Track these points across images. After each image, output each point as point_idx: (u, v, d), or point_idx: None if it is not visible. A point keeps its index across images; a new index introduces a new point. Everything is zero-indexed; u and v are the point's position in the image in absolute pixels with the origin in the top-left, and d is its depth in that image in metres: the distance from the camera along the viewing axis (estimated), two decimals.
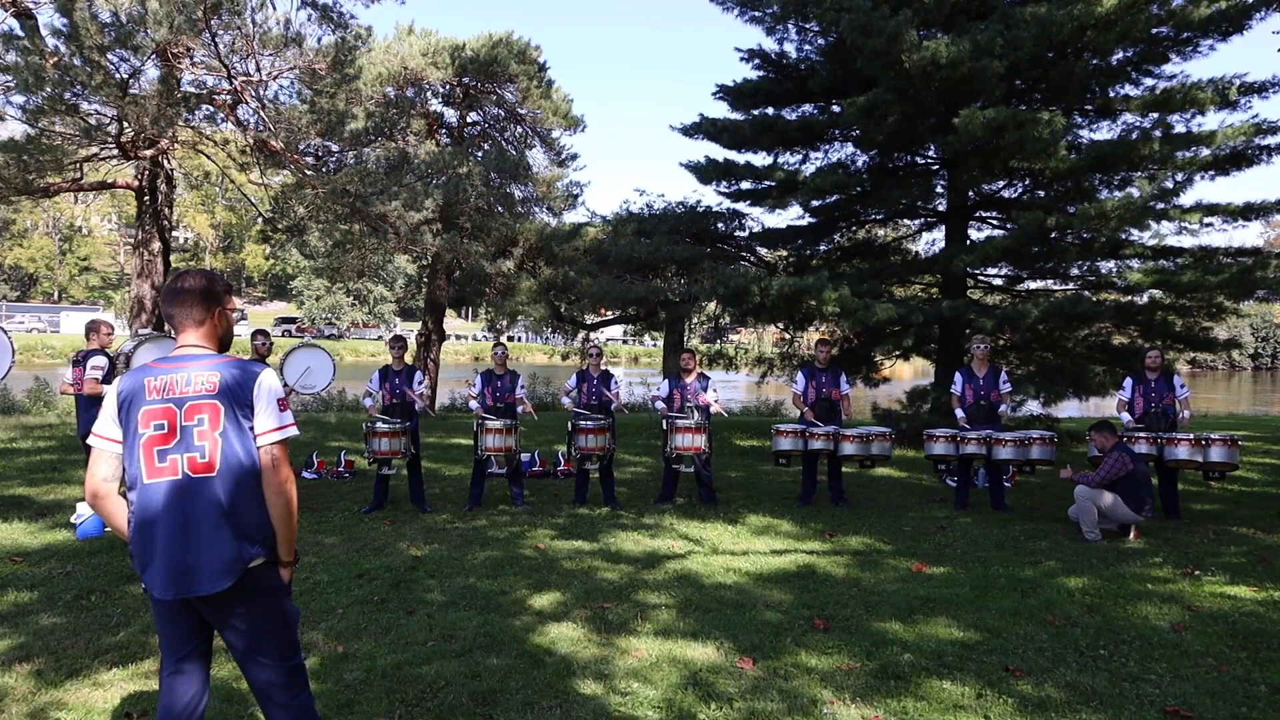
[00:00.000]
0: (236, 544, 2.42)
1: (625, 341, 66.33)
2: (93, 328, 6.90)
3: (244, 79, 11.03)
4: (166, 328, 12.73)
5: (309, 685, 2.64)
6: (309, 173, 12.62)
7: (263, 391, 2.48)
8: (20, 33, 9.86)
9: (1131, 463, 6.68)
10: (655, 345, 35.43)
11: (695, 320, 17.90)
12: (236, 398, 2.45)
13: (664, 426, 8.12)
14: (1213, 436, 7.34)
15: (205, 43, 10.56)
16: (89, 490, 2.52)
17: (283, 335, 58.27)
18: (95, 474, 2.49)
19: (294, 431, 2.53)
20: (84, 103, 10.50)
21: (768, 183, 14.13)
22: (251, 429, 2.47)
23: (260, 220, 18.66)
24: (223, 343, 2.62)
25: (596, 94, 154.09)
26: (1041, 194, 13.62)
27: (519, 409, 8.01)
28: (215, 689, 3.37)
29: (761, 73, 14.95)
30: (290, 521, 2.51)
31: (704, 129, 14.36)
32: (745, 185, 14.74)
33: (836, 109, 13.34)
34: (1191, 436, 7.41)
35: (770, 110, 14.68)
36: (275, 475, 2.47)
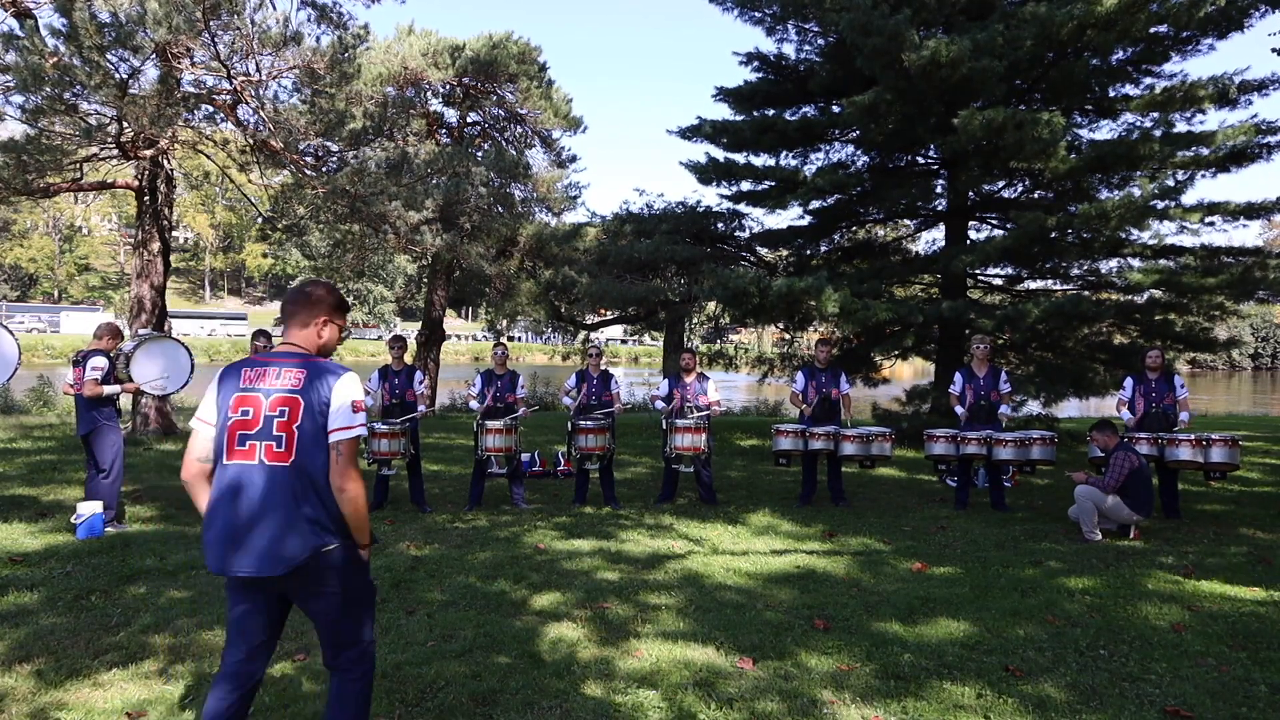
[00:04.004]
0: (303, 530, 2.57)
1: (625, 341, 66.33)
2: (107, 330, 6.92)
3: (244, 79, 11.02)
4: (166, 326, 12.75)
5: (368, 668, 2.75)
6: (309, 173, 12.61)
7: (339, 393, 2.66)
8: (20, 33, 9.85)
9: (1137, 460, 6.68)
10: (656, 345, 35.44)
11: (695, 320, 17.91)
12: (316, 395, 2.63)
13: (664, 426, 8.12)
14: (1214, 437, 7.35)
15: (205, 43, 10.54)
16: (184, 468, 2.73)
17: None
18: (191, 453, 2.71)
19: (362, 432, 2.68)
20: (84, 103, 10.49)
21: (768, 183, 14.13)
22: (325, 426, 2.63)
23: (260, 220, 18.66)
24: (322, 350, 2.80)
25: (596, 94, 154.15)
26: (1041, 194, 13.63)
27: (519, 411, 8.00)
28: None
29: (761, 74, 14.96)
30: (357, 512, 2.65)
31: (703, 131, 14.36)
32: (745, 186, 14.74)
33: (836, 109, 13.35)
34: (1193, 437, 7.41)
35: (770, 111, 14.69)
36: (339, 469, 2.62)
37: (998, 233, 13.67)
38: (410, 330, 27.23)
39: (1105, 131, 13.32)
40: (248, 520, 2.56)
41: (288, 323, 2.79)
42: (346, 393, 2.66)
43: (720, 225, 16.01)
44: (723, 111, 15.33)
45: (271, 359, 2.70)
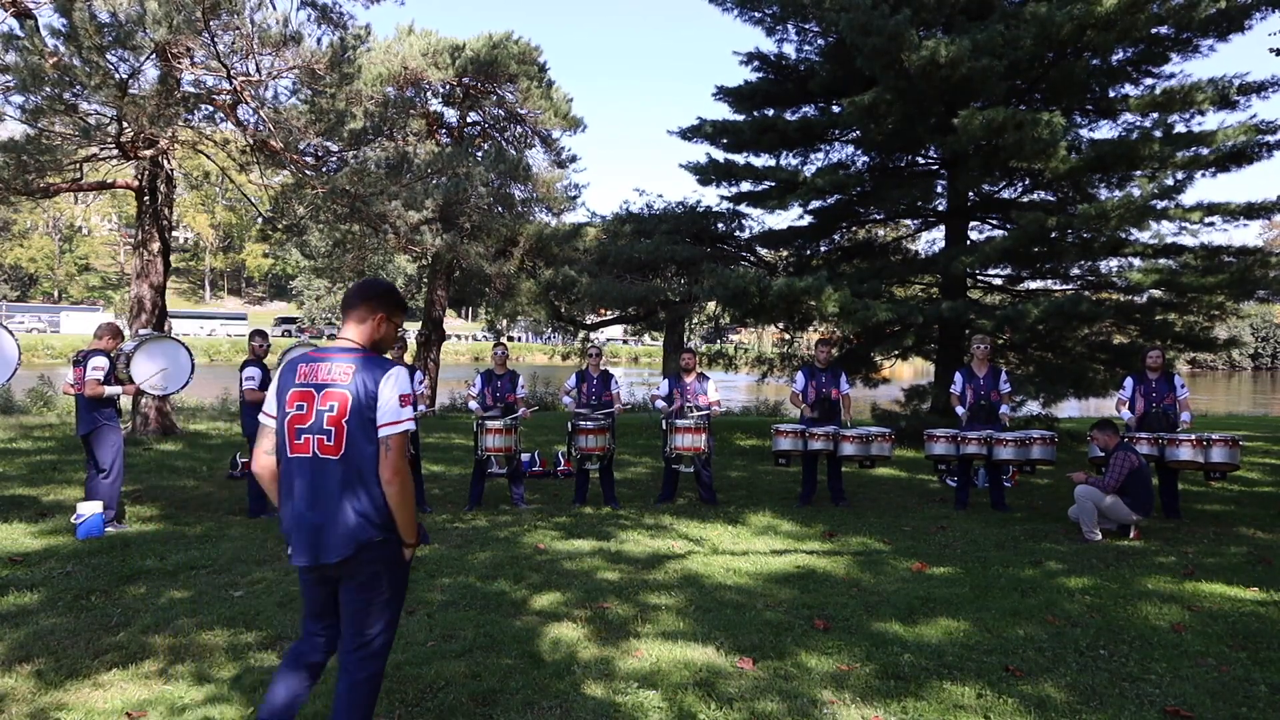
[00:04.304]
0: (353, 522, 2.64)
1: (625, 341, 66.33)
2: (107, 330, 6.92)
3: (244, 79, 11.02)
4: (166, 326, 12.75)
5: (375, 670, 2.76)
6: (309, 173, 12.61)
7: (388, 387, 2.69)
8: (20, 33, 9.85)
9: (1137, 460, 6.68)
10: (656, 345, 35.43)
11: (695, 320, 17.91)
12: (365, 390, 2.67)
13: (664, 426, 8.12)
14: (1214, 437, 7.35)
15: (205, 43, 10.55)
16: (254, 460, 2.85)
17: (283, 335, 58.22)
18: (259, 447, 2.82)
19: (410, 426, 2.72)
20: (83, 103, 10.49)
21: (768, 183, 14.13)
22: (374, 420, 2.67)
23: (260, 220, 18.65)
24: (377, 347, 2.85)
25: (596, 94, 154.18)
26: (1041, 194, 13.63)
27: (519, 411, 8.00)
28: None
29: (761, 74, 14.96)
30: (404, 505, 2.70)
31: (703, 132, 14.36)
32: (745, 186, 14.74)
33: (836, 109, 13.35)
34: (1193, 437, 7.41)
35: (770, 111, 14.69)
36: (386, 463, 2.67)
37: (998, 233, 13.68)
38: (410, 330, 27.21)
39: (1105, 131, 13.35)
40: (304, 512, 2.68)
41: (346, 318, 2.83)
42: (394, 387, 2.69)
43: (720, 225, 16.01)
44: (723, 111, 15.35)
45: (325, 354, 2.77)
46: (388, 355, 2.91)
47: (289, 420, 2.71)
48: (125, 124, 10.59)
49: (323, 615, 2.81)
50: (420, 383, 8.01)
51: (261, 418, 2.82)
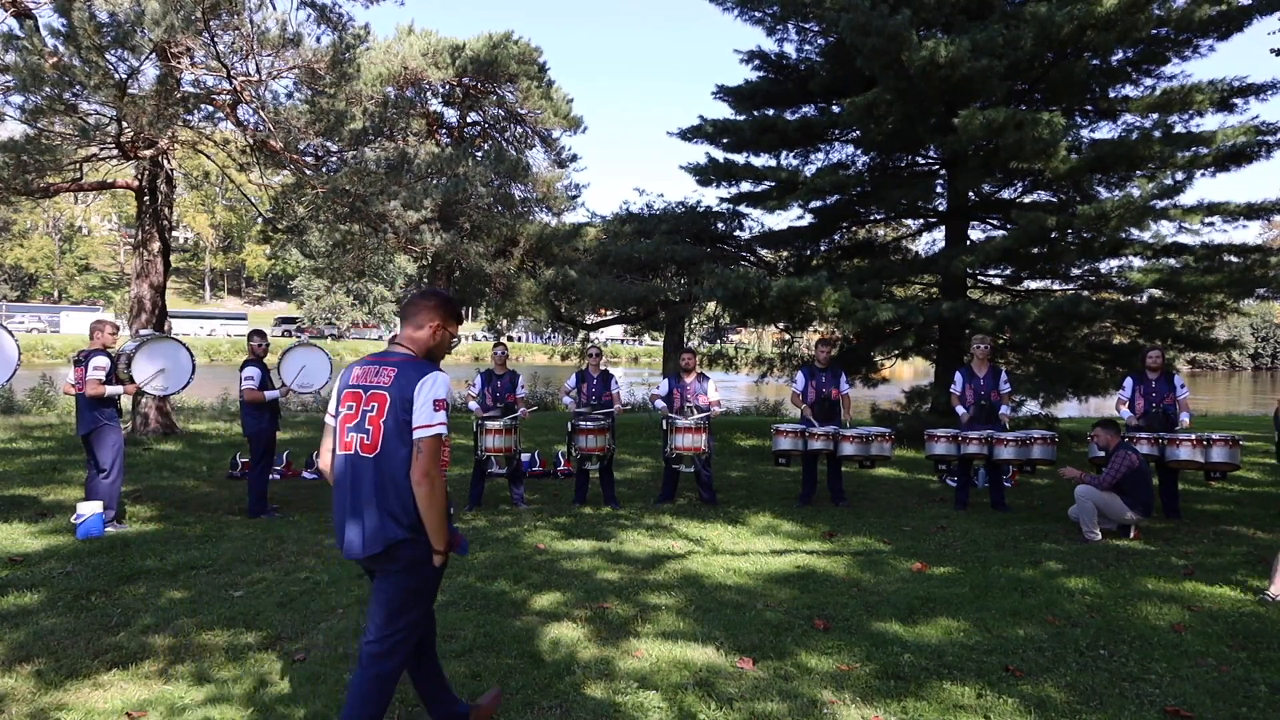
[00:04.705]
0: (382, 520, 2.73)
1: (625, 341, 66.33)
2: (97, 327, 6.90)
3: (244, 79, 11.02)
4: (166, 326, 12.74)
5: (389, 668, 2.82)
6: (309, 173, 12.61)
7: (423, 391, 2.75)
8: (20, 33, 9.85)
9: (1137, 460, 6.68)
10: (656, 345, 35.42)
11: (695, 320, 17.91)
12: (403, 393, 2.76)
13: (664, 426, 8.12)
14: (1214, 436, 7.35)
15: (205, 43, 10.55)
16: (320, 459, 3.00)
17: (283, 335, 58.22)
18: (323, 445, 2.98)
19: (441, 430, 2.75)
20: (83, 103, 10.49)
21: (768, 183, 14.13)
22: (409, 422, 2.73)
23: (260, 220, 18.65)
24: (431, 353, 2.94)
25: (596, 94, 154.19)
26: (1041, 194, 13.63)
27: (518, 411, 8.00)
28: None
29: (761, 74, 14.95)
30: (433, 510, 2.73)
31: (703, 132, 14.36)
32: (745, 186, 14.74)
33: (836, 109, 13.36)
34: (1193, 436, 7.41)
35: (770, 111, 14.69)
36: (417, 465, 2.72)
37: (998, 233, 13.67)
38: None
39: (1105, 132, 13.34)
40: (344, 507, 2.81)
41: (403, 323, 2.95)
42: (429, 391, 2.75)
43: (720, 225, 16.01)
44: (723, 111, 15.35)
45: (380, 358, 2.89)
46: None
47: (341, 419, 2.85)
48: (125, 124, 10.58)
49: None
50: None
51: (325, 417, 2.97)
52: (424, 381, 2.76)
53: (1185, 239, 12.93)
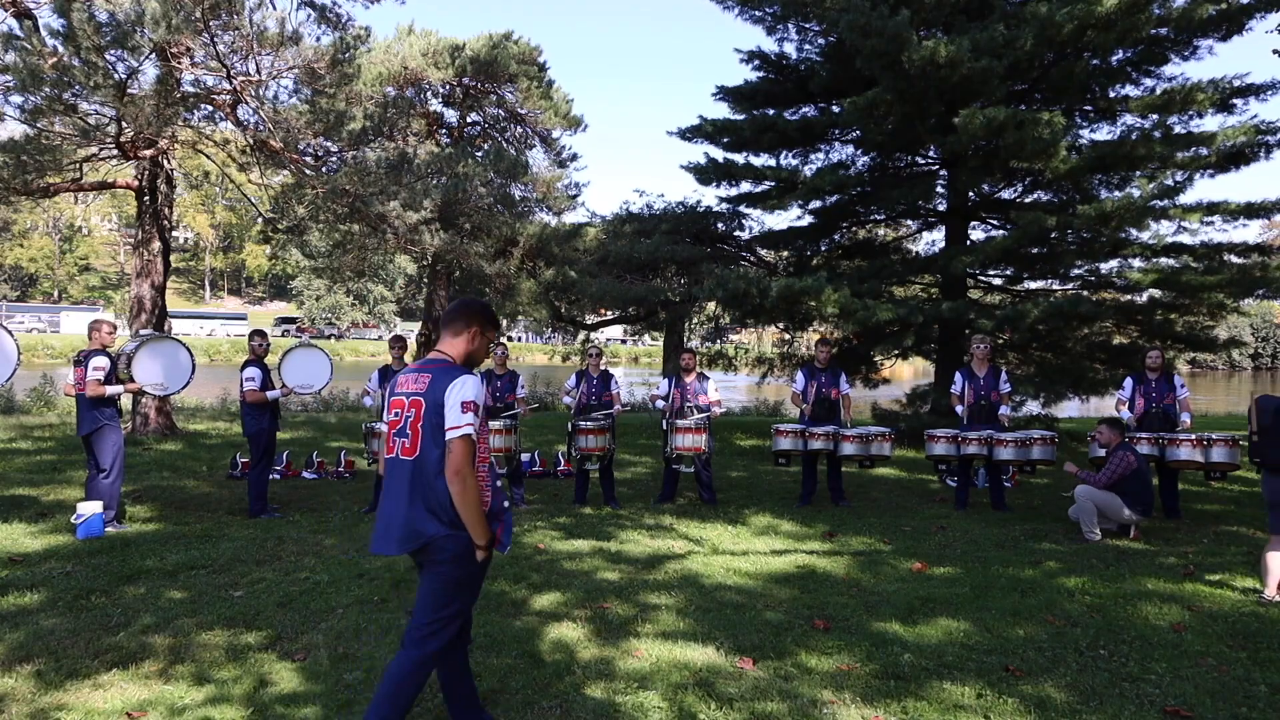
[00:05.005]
0: (420, 518, 2.87)
1: (625, 341, 66.33)
2: (94, 327, 6.90)
3: (244, 79, 11.01)
4: (166, 326, 12.74)
5: (431, 648, 2.93)
6: (309, 173, 12.60)
7: (452, 393, 2.89)
8: (19, 33, 9.85)
9: (1136, 461, 6.68)
10: (656, 345, 35.42)
11: (695, 320, 17.91)
12: (436, 397, 2.90)
13: (664, 426, 8.12)
14: (1214, 437, 7.34)
15: (205, 43, 10.55)
16: (380, 464, 3.20)
17: (283, 335, 58.22)
18: (382, 452, 3.10)
19: (470, 431, 2.87)
20: (83, 103, 10.48)
21: (768, 183, 14.12)
22: (442, 424, 2.88)
23: (260, 220, 18.65)
24: (469, 359, 3.09)
25: (596, 94, 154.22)
26: (1042, 194, 13.62)
27: (518, 410, 8.00)
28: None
29: (761, 74, 14.95)
30: (466, 506, 2.85)
31: (703, 131, 14.36)
32: (745, 186, 14.74)
33: (836, 109, 13.35)
34: (1194, 437, 7.41)
35: (770, 111, 14.68)
36: (449, 465, 2.85)
37: (998, 233, 13.67)
38: (411, 330, 27.21)
39: (1105, 132, 13.34)
40: (387, 507, 2.96)
41: (442, 331, 3.10)
42: (458, 393, 2.88)
43: (720, 225, 16.01)
44: (723, 111, 15.33)
45: (420, 366, 3.05)
46: (404, 358, 3.03)
47: (389, 425, 3.02)
48: (125, 124, 10.58)
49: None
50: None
51: (379, 425, 3.15)
52: (454, 385, 2.89)
53: (1185, 239, 12.94)
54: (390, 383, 3.09)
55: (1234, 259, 12.41)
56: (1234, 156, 12.07)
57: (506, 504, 3.08)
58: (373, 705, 2.91)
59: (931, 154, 13.58)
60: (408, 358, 8.32)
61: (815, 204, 14.32)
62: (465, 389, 2.89)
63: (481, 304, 3.19)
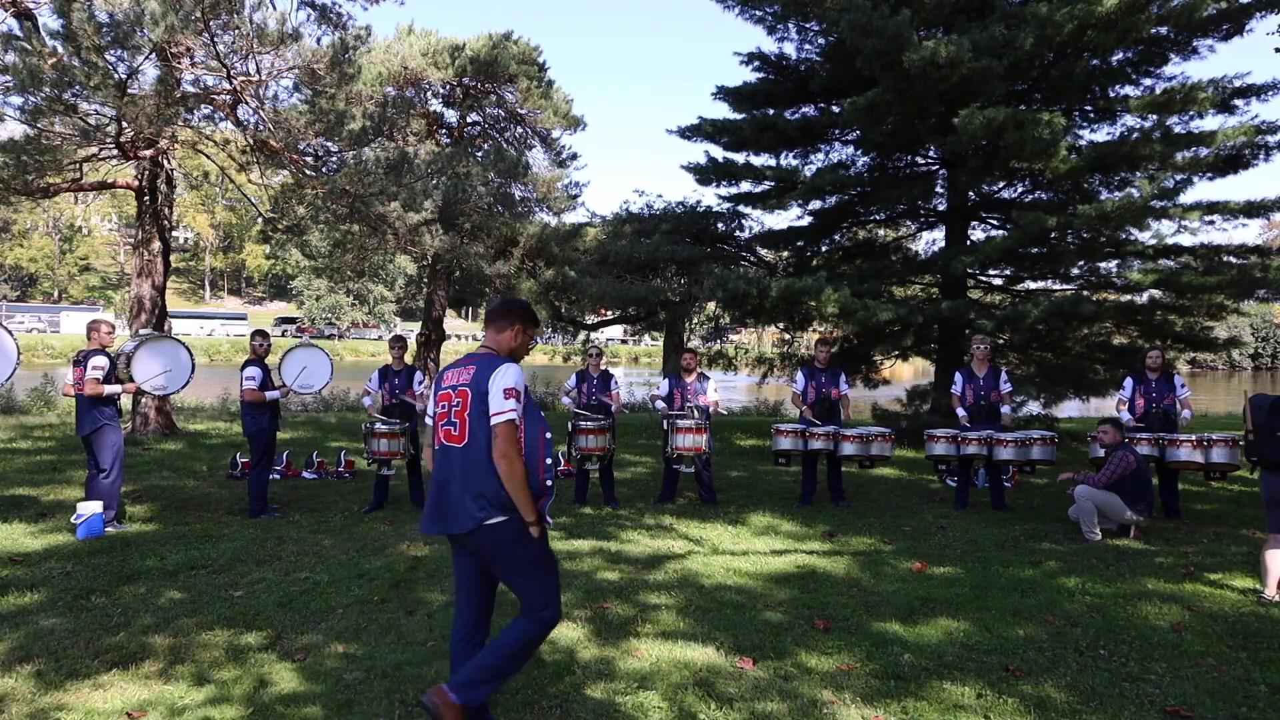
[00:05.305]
0: (471, 502, 3.04)
1: (625, 341, 66.33)
2: (93, 327, 6.90)
3: (244, 79, 11.01)
4: (166, 326, 12.74)
5: (548, 617, 3.14)
6: (309, 173, 12.60)
7: (495, 381, 3.07)
8: (19, 33, 9.84)
9: (1135, 461, 6.68)
10: (656, 345, 35.41)
11: (695, 320, 17.89)
12: (480, 386, 3.09)
13: (664, 426, 8.12)
14: (1215, 437, 7.34)
15: (205, 42, 10.54)
16: (425, 455, 3.34)
17: (283, 335, 58.22)
18: (424, 440, 3.30)
19: (513, 415, 3.05)
20: (83, 103, 10.48)
21: (768, 183, 14.12)
22: (487, 411, 3.05)
23: (260, 220, 18.64)
24: (512, 353, 3.27)
25: (596, 94, 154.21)
26: (1042, 194, 13.62)
27: None
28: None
29: (761, 74, 14.95)
30: (514, 486, 3.02)
31: (703, 131, 14.35)
32: (745, 186, 14.74)
33: (836, 109, 13.34)
34: (1194, 437, 7.40)
35: (770, 111, 14.68)
36: (495, 448, 3.03)
37: (998, 233, 13.67)
38: (411, 330, 27.20)
39: (1105, 133, 13.34)
40: (438, 491, 3.13)
41: (488, 327, 3.31)
42: (501, 381, 3.07)
43: (720, 225, 16.00)
44: (723, 111, 15.34)
45: (468, 359, 3.23)
46: (404, 358, 3.05)
47: (436, 416, 3.21)
48: (125, 124, 10.58)
49: (467, 587, 3.22)
50: (420, 383, 8.02)
51: (426, 418, 3.35)
52: (496, 373, 3.08)
53: (1185, 239, 12.96)
54: (438, 377, 3.28)
55: (1233, 260, 12.41)
56: (1234, 159, 12.08)
57: (550, 481, 3.20)
58: (484, 652, 3.10)
59: (931, 154, 13.58)
60: (408, 358, 8.32)
61: (815, 204, 14.33)
62: (507, 377, 3.07)
63: (523, 303, 3.38)
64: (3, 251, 71.66)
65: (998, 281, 14.81)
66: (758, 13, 13.82)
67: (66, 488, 8.31)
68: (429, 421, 3.29)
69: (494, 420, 3.03)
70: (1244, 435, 5.24)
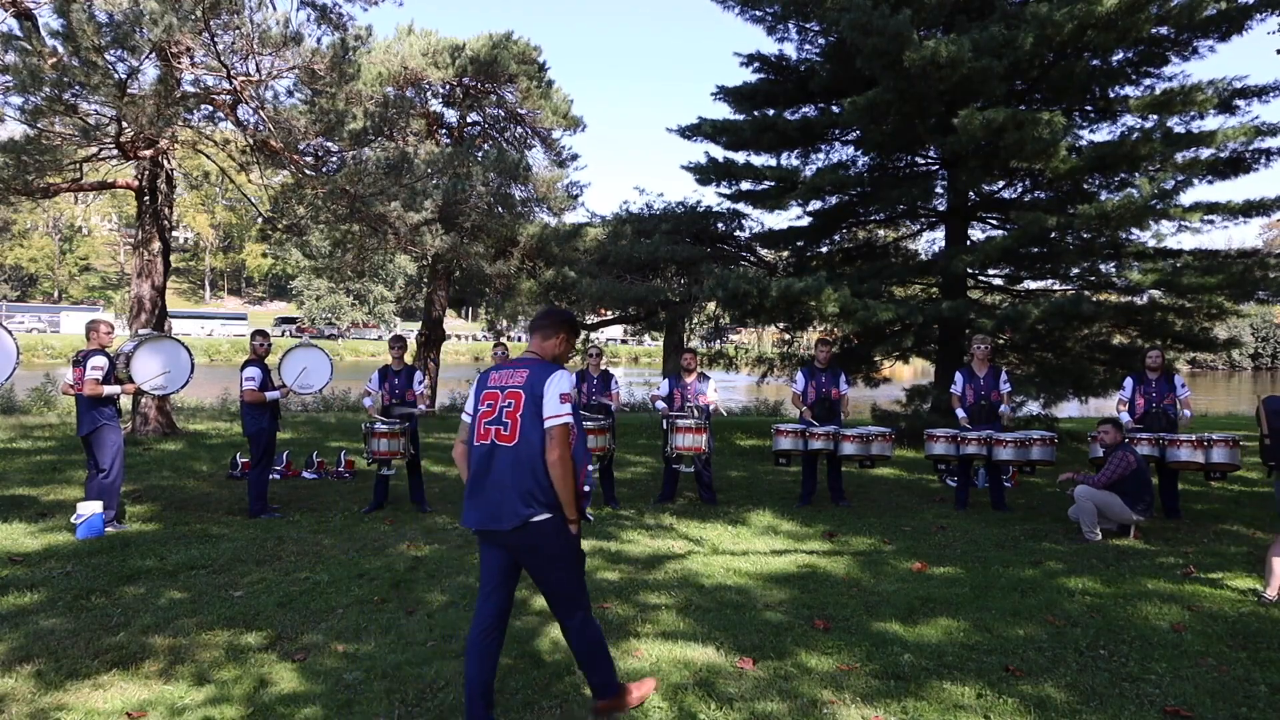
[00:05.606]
0: (520, 500, 3.16)
1: (625, 341, 66.30)
2: (92, 327, 6.89)
3: (244, 79, 11.01)
4: (166, 326, 12.73)
5: (585, 603, 3.34)
6: (309, 173, 12.60)
7: (550, 386, 3.21)
8: (19, 33, 9.84)
9: (1135, 461, 6.68)
10: (656, 345, 35.41)
11: (695, 320, 17.89)
12: (534, 391, 3.22)
13: (664, 426, 8.12)
14: (1214, 437, 7.34)
15: (205, 43, 10.54)
16: (455, 448, 3.46)
17: (283, 335, 58.22)
18: (459, 438, 3.44)
19: (568, 420, 3.19)
20: (83, 103, 10.47)
21: (768, 183, 14.12)
22: (541, 414, 3.18)
23: (260, 220, 18.64)
24: (556, 358, 3.43)
25: (596, 94, 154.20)
26: (1042, 194, 13.62)
27: None
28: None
29: (761, 74, 14.95)
30: (566, 488, 3.17)
31: (703, 130, 14.36)
32: (745, 186, 14.73)
33: (836, 109, 13.35)
34: (1194, 437, 7.40)
35: (770, 111, 14.68)
36: (552, 449, 3.16)
37: (998, 233, 13.67)
38: (410, 330, 27.21)
39: (1105, 133, 13.34)
40: (483, 488, 3.22)
41: (533, 334, 3.46)
42: (556, 387, 3.21)
43: (720, 225, 16.00)
44: (723, 111, 15.36)
45: (515, 364, 3.37)
46: (404, 357, 2.97)
47: (479, 415, 3.30)
48: (125, 124, 10.58)
49: (492, 582, 3.31)
50: (420, 383, 8.02)
51: (463, 415, 3.43)
52: (551, 379, 3.23)
53: (1185, 239, 12.99)
54: (480, 379, 3.40)
55: (1231, 260, 12.41)
56: (1233, 163, 12.08)
57: (588, 488, 3.35)
58: (587, 667, 3.32)
59: (931, 154, 13.58)
60: (407, 358, 8.32)
61: (815, 204, 14.33)
62: (562, 383, 3.23)
63: (569, 314, 3.56)
64: (3, 251, 71.64)
65: (998, 281, 14.82)
66: (758, 13, 13.82)
67: (66, 488, 8.31)
68: (466, 419, 3.37)
69: (551, 423, 3.16)
70: (1259, 439, 5.22)
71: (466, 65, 18.25)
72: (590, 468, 3.33)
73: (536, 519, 3.16)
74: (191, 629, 4.39)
